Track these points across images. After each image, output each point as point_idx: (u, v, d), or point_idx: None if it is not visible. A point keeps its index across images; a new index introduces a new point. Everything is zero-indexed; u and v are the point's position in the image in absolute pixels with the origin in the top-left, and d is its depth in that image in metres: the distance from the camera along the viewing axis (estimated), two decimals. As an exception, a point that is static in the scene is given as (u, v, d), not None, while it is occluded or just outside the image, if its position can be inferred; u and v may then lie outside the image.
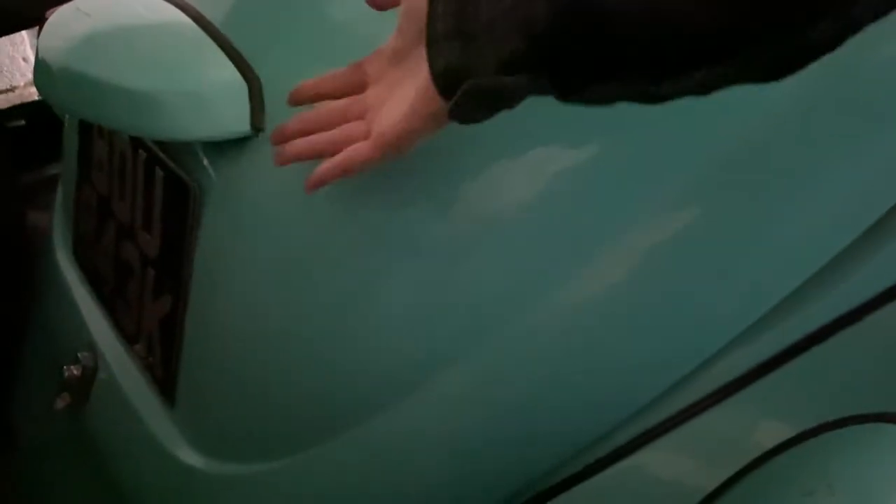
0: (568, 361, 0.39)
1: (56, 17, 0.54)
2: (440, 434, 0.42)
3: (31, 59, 1.36)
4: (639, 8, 0.24)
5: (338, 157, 0.36)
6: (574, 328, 0.39)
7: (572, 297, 0.38)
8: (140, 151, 0.53)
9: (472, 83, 0.29)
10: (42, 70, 0.48)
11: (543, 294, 0.38)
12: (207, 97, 0.45)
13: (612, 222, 0.37)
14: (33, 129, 1.18)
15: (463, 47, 0.29)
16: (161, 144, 0.51)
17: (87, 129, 0.62)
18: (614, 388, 0.39)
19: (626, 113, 0.36)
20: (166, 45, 0.48)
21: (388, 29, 0.42)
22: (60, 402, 0.63)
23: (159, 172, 0.51)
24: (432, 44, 0.30)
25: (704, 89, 0.26)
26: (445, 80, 0.30)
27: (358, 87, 0.37)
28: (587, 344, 0.39)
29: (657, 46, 0.25)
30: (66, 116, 0.74)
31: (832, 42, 0.24)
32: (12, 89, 1.34)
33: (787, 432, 0.36)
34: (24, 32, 1.26)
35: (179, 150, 0.50)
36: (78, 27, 0.50)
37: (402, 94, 0.34)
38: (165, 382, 0.54)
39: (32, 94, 1.38)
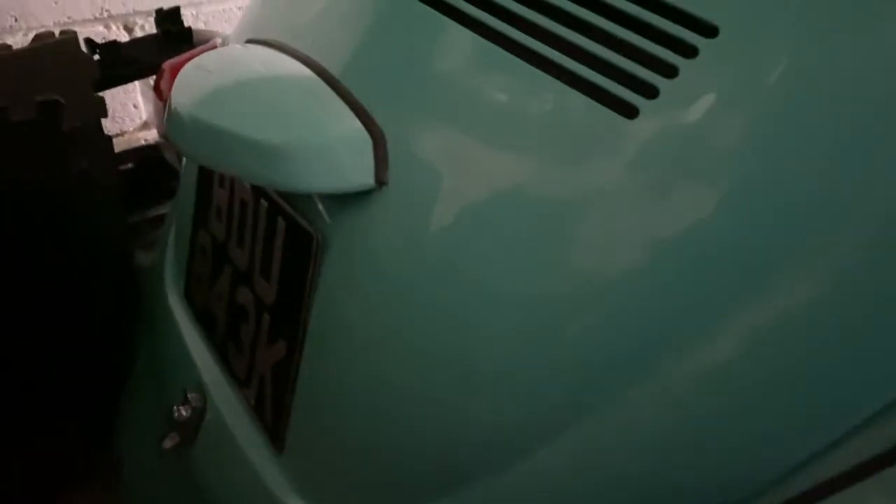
0: (679, 437, 0.38)
1: (183, 73, 0.56)
2: (557, 497, 0.41)
3: (142, 105, 1.44)
4: None
5: None
6: (689, 401, 0.37)
7: (689, 368, 0.37)
8: (262, 201, 0.54)
9: None
10: (175, 122, 0.50)
11: (657, 364, 0.37)
12: (333, 150, 0.45)
13: (738, 289, 0.36)
14: (139, 171, 1.24)
15: None
16: (283, 194, 0.52)
17: (206, 178, 0.64)
18: (723, 467, 0.38)
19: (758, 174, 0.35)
20: (292, 98, 0.49)
21: (510, 83, 0.43)
22: (169, 442, 0.64)
23: (281, 222, 0.52)
24: None
25: None
26: None
27: None
28: (700, 421, 0.37)
29: None
30: (183, 164, 0.77)
31: None
32: (122, 134, 1.42)
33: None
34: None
35: (301, 201, 0.51)
36: (204, 83, 0.52)
37: None
38: (275, 428, 0.54)
39: (140, 138, 1.45)
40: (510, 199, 0.42)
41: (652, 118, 0.37)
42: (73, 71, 0.89)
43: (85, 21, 1.34)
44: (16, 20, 1.28)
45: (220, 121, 0.48)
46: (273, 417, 0.54)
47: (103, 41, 1.05)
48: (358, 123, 0.46)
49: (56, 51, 0.88)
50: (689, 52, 0.36)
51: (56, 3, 1.30)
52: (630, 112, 0.37)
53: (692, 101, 0.36)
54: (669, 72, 0.36)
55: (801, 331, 0.36)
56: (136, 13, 1.38)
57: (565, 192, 0.40)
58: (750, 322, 0.36)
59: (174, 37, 1.08)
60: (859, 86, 0.35)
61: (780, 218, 0.35)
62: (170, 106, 0.52)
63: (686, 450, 0.38)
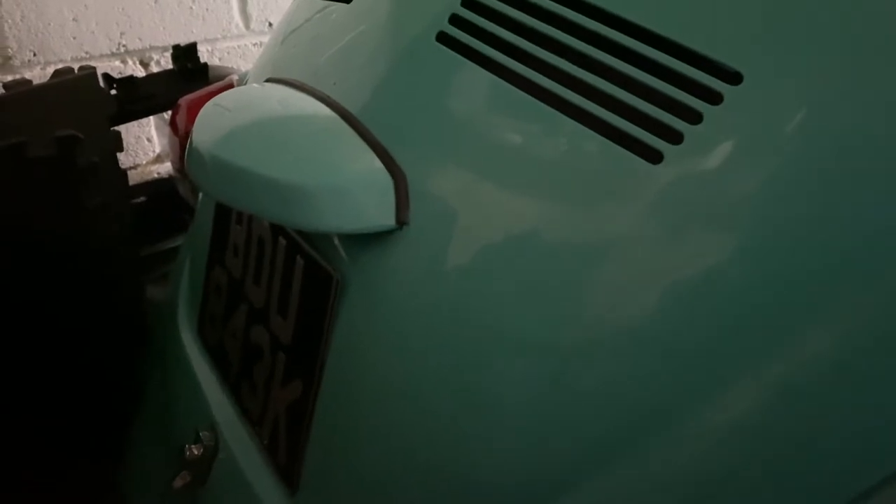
0: (697, 494, 0.37)
1: (203, 112, 0.56)
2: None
3: (155, 138, 1.45)
4: None
5: None
6: (709, 456, 0.36)
7: (709, 420, 0.36)
8: (280, 239, 0.54)
9: None
10: (195, 161, 0.50)
11: (674, 416, 0.36)
12: (354, 191, 0.45)
13: (759, 339, 0.35)
14: (152, 205, 1.25)
15: None
16: (302, 233, 0.52)
17: (223, 214, 0.64)
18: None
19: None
20: (313, 137, 0.49)
21: (532, 125, 0.43)
22: (180, 481, 0.63)
23: (300, 261, 0.52)
24: None
25: None
26: None
27: None
28: (719, 476, 0.36)
29: None
30: (199, 199, 0.77)
31: None
32: (135, 167, 1.43)
33: None
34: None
35: (320, 240, 0.51)
36: (224, 122, 0.52)
37: None
38: (289, 468, 0.53)
39: (153, 171, 1.46)
40: (530, 242, 0.41)
41: (676, 164, 0.37)
42: (91, 107, 0.90)
43: (102, 56, 1.35)
44: (34, 55, 1.30)
45: (241, 160, 0.48)
46: (287, 458, 0.54)
47: (120, 76, 1.06)
48: (379, 163, 0.46)
49: (74, 87, 0.89)
50: (714, 98, 0.36)
51: (74, 38, 1.32)
52: (654, 157, 0.37)
53: (716, 148, 0.36)
54: (694, 118, 0.36)
55: (826, 381, 0.35)
56: (153, 48, 1.40)
57: (588, 236, 0.40)
58: (771, 373, 0.35)
59: (190, 73, 1.10)
60: (885, 133, 0.35)
61: (803, 267, 0.35)
62: (190, 144, 0.52)
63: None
